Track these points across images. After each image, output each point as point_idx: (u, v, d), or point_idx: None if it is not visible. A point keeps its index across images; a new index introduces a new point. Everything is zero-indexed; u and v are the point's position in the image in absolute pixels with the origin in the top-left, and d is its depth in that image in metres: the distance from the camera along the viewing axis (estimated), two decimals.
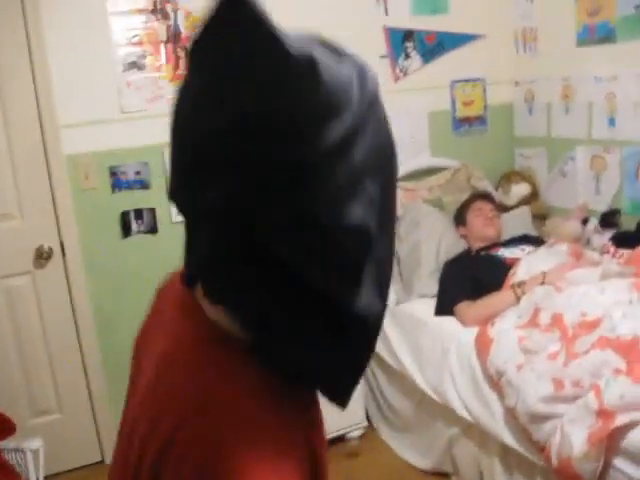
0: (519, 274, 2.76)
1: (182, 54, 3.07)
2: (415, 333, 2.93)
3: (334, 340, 0.79)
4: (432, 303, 2.93)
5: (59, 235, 3.01)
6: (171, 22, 3.03)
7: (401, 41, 3.46)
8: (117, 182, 3.03)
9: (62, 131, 2.93)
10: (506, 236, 3.20)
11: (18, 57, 2.84)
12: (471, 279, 2.87)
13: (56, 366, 3.10)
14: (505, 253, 2.98)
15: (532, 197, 3.64)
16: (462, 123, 3.69)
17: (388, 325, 3.06)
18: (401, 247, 3.20)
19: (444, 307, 2.86)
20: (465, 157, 3.64)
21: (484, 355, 2.51)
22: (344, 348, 0.81)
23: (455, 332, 2.72)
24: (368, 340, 0.84)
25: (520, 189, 3.62)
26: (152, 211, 3.10)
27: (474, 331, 2.63)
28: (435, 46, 3.54)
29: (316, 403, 0.89)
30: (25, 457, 2.55)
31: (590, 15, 3.21)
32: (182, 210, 0.78)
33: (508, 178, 3.70)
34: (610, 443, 1.96)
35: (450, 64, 3.59)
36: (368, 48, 3.37)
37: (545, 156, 3.62)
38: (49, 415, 3.10)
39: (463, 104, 3.67)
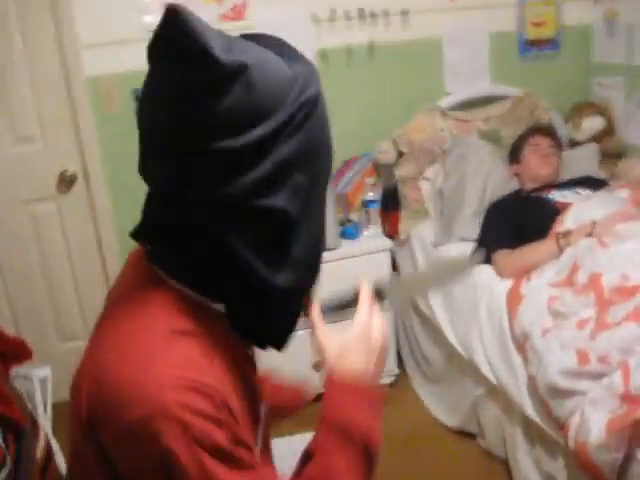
0: (567, 222, 2.43)
1: None
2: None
3: (260, 303, 0.94)
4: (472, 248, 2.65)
5: (82, 161, 2.91)
6: None
7: None
8: None
9: (83, 52, 2.77)
10: (569, 176, 2.85)
11: None
12: (515, 224, 2.56)
13: (82, 292, 3.06)
14: (557, 196, 2.63)
15: (606, 133, 3.21)
16: (530, 46, 3.27)
17: (424, 265, 2.83)
18: (445, 184, 2.91)
19: (483, 253, 2.57)
20: (531, 85, 3.23)
21: (513, 313, 2.24)
22: (270, 313, 0.96)
23: (488, 283, 2.44)
24: (291, 307, 0.99)
25: (593, 123, 3.20)
26: None
27: (508, 284, 2.36)
28: None
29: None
30: (32, 385, 2.52)
31: None
32: (147, 183, 0.93)
33: (580, 110, 3.27)
34: (635, 432, 1.68)
35: None
36: None
37: (623, 87, 3.17)
38: (75, 341, 3.07)
39: (533, 25, 3.24)
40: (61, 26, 2.74)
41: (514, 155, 2.89)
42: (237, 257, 0.88)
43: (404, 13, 3.04)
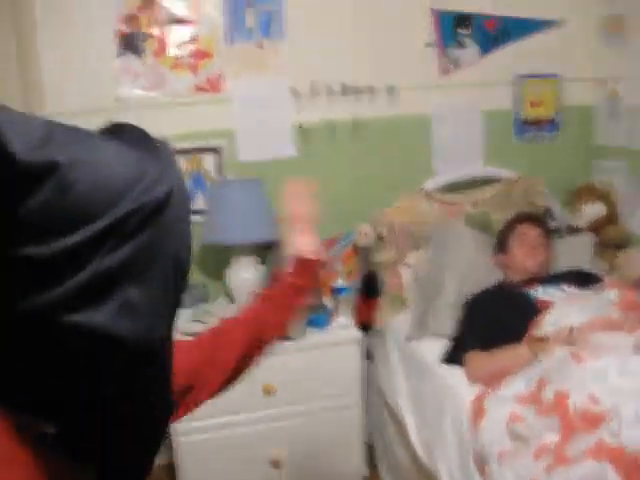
0: (545, 324, 2.20)
1: (186, 38, 2.72)
2: (418, 379, 2.45)
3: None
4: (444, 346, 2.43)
5: None
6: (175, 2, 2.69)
7: (453, 27, 2.91)
8: None
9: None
10: (563, 266, 2.63)
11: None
12: (493, 322, 2.34)
13: None
14: (540, 293, 2.41)
15: (608, 220, 2.99)
16: (528, 127, 3.09)
17: (396, 360, 2.61)
18: (423, 272, 2.70)
19: (454, 353, 2.35)
20: (528, 168, 3.04)
21: (475, 429, 2.00)
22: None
23: (456, 388, 2.21)
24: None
25: (593, 209, 2.98)
26: None
27: (475, 392, 2.12)
28: (497, 34, 2.96)
29: None
30: None
31: None
32: None
33: (580, 195, 3.06)
34: None
35: (515, 56, 3.00)
36: (410, 34, 2.90)
37: (625, 172, 2.95)
38: None
39: (531, 104, 3.06)
40: (30, 94, 2.66)
41: (500, 244, 2.68)
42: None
43: (390, 89, 2.89)
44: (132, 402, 0.78)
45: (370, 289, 2.84)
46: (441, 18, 2.89)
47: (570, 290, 2.42)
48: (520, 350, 2.12)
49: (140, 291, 0.74)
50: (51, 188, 0.69)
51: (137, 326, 0.74)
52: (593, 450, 1.59)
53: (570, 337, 2.03)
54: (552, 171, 3.11)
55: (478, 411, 2.02)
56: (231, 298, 2.74)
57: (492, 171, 3.03)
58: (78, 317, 0.71)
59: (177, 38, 2.69)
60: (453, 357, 2.35)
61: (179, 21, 2.70)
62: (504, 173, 3.01)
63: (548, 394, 1.85)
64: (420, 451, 2.33)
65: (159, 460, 2.72)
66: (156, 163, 0.77)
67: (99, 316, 0.72)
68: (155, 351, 0.77)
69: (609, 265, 2.82)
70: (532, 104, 3.06)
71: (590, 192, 3.04)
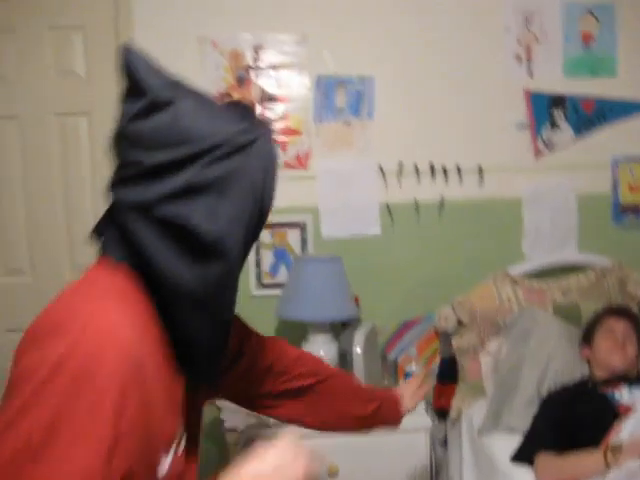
0: (624, 431, 2.05)
1: (276, 117, 2.80)
2: (486, 475, 2.33)
3: (176, 308, 1.02)
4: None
5: None
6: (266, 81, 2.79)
7: (547, 108, 2.84)
8: None
9: None
10: None
11: None
12: (569, 423, 2.21)
13: None
14: (625, 395, 2.25)
15: None
16: (626, 212, 2.94)
17: (467, 451, 2.50)
18: (502, 362, 2.60)
19: (524, 453, 2.22)
20: (626, 256, 2.88)
21: None
22: (185, 322, 1.03)
23: None
24: (206, 329, 1.05)
25: None
26: None
27: None
28: (593, 115, 2.86)
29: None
30: None
31: None
32: None
33: None
34: None
35: (613, 138, 2.89)
36: (502, 115, 2.85)
37: None
38: None
39: (629, 188, 2.92)
40: None
41: (586, 337, 2.53)
42: (152, 261, 0.99)
43: (479, 170, 2.85)
44: (206, 287, 1.01)
45: (448, 374, 2.77)
46: (534, 98, 2.83)
47: None
48: (592, 458, 1.99)
49: (222, 203, 1.00)
50: (167, 116, 0.99)
51: (213, 227, 0.99)
52: None
53: None
54: None
55: None
56: None
57: (586, 258, 2.89)
58: (171, 208, 0.98)
59: (268, 116, 2.78)
60: (524, 456, 2.22)
61: (271, 99, 2.79)
62: (599, 260, 2.87)
63: None
64: None
65: None
66: (249, 123, 1.04)
67: (186, 210, 0.98)
68: (225, 250, 1.01)
69: None
70: (631, 188, 2.92)
71: None
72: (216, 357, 1.09)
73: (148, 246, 0.99)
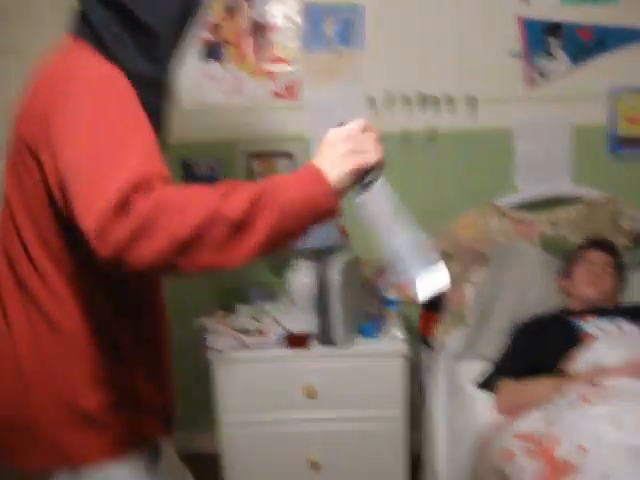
0: (580, 361, 2.06)
1: (265, 46, 2.81)
2: (453, 398, 2.38)
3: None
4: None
5: None
6: (256, 11, 2.79)
7: (542, 36, 2.77)
8: (191, 174, 2.91)
9: None
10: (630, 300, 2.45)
11: None
12: (533, 351, 2.23)
13: None
14: (590, 326, 2.24)
15: None
16: (624, 144, 2.86)
17: (442, 377, 2.56)
18: (480, 293, 2.61)
19: (489, 380, 2.26)
20: (621, 190, 2.82)
21: (478, 462, 1.92)
22: None
23: (479, 415, 2.13)
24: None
25: None
26: None
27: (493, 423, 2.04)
28: (592, 44, 2.77)
29: None
30: None
31: None
32: None
33: None
34: None
35: (611, 68, 2.79)
36: (495, 43, 2.79)
37: None
38: None
39: (627, 120, 2.84)
40: None
41: (566, 268, 2.52)
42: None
43: (470, 99, 2.81)
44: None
45: (433, 303, 2.80)
46: (528, 26, 2.76)
47: (629, 327, 2.23)
48: (544, 385, 2.02)
49: None
50: None
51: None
52: None
53: (593, 379, 1.89)
54: None
55: (483, 445, 1.95)
56: (292, 301, 2.81)
57: (579, 190, 2.84)
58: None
59: (256, 45, 2.80)
60: (487, 383, 2.26)
61: (260, 28, 2.80)
62: (592, 193, 2.82)
63: (545, 436, 1.75)
64: (444, 474, 2.28)
65: (206, 448, 2.85)
66: None
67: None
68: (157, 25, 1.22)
69: None
70: (630, 120, 2.83)
71: None
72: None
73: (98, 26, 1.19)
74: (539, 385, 2.04)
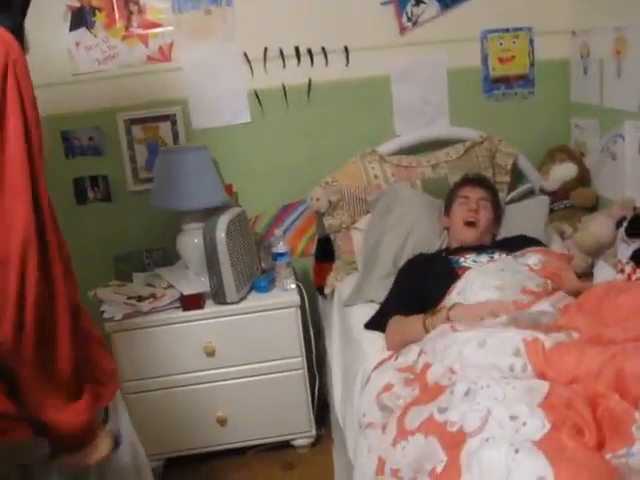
0: (453, 293, 2.16)
1: (134, 9, 2.77)
2: (345, 343, 2.47)
3: None
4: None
5: None
6: None
7: None
8: (70, 147, 2.87)
9: None
10: (512, 233, 2.56)
11: None
12: (416, 289, 2.31)
13: None
14: (467, 260, 2.34)
15: (579, 182, 2.84)
16: (497, 84, 2.95)
17: (335, 324, 2.64)
18: (365, 239, 2.68)
19: (377, 319, 2.33)
20: (497, 128, 2.92)
21: (359, 399, 2.01)
22: None
23: (366, 355, 2.21)
24: None
25: (563, 171, 2.84)
26: (105, 179, 2.90)
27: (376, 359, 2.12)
28: None
29: None
30: None
31: None
32: None
33: (552, 156, 2.92)
34: None
35: (481, 11, 2.86)
36: None
37: (598, 131, 2.79)
38: None
39: (499, 60, 2.93)
40: None
41: (446, 206, 2.61)
42: None
43: (345, 51, 2.84)
44: None
45: (324, 253, 2.86)
46: None
47: (500, 256, 2.34)
48: (413, 321, 2.09)
49: None
50: None
51: None
52: (425, 424, 1.57)
53: (451, 312, 1.99)
54: (527, 131, 2.98)
55: (366, 381, 2.03)
56: (186, 263, 2.82)
57: (457, 132, 2.93)
58: None
59: (126, 10, 2.75)
60: (375, 323, 2.33)
61: None
62: (470, 134, 2.91)
63: (419, 364, 1.84)
64: (340, 416, 2.36)
65: None
66: None
67: None
68: None
69: (574, 229, 2.70)
70: (501, 60, 2.92)
71: (562, 152, 2.90)
72: None
73: None
74: (408, 321, 2.13)
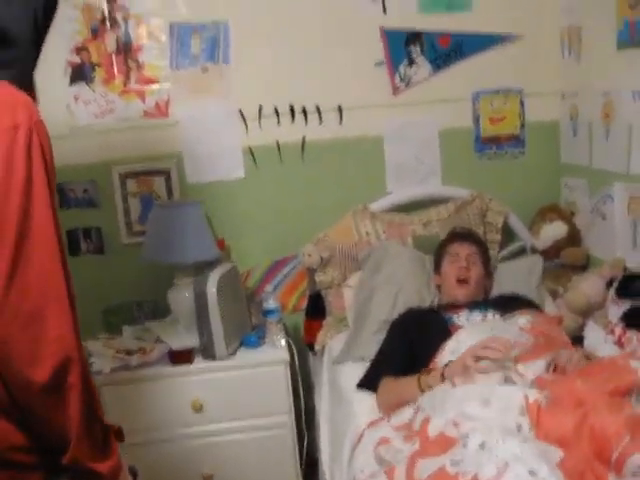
0: (446, 352, 2.14)
1: (133, 66, 2.82)
2: (335, 403, 2.44)
3: None
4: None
5: None
6: (121, 32, 2.80)
7: (403, 45, 2.88)
8: (65, 199, 2.89)
9: None
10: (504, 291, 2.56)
11: None
12: (408, 347, 2.29)
13: None
14: (460, 318, 2.34)
15: (570, 242, 2.86)
16: (488, 144, 3.00)
17: (324, 382, 2.61)
18: (356, 296, 2.68)
19: (368, 379, 2.31)
20: (488, 187, 2.96)
21: (352, 456, 1.98)
22: None
23: (357, 416, 2.18)
24: None
25: (554, 230, 2.87)
26: (99, 231, 2.92)
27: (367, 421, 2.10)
28: (450, 50, 2.90)
29: None
30: None
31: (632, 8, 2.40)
32: None
33: (543, 215, 2.95)
34: None
35: (472, 72, 2.93)
36: (360, 53, 2.88)
37: (587, 191, 2.82)
38: None
39: (490, 121, 2.98)
40: None
41: (436, 264, 2.62)
42: None
43: (339, 109, 2.89)
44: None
45: (315, 310, 2.86)
46: (390, 36, 2.86)
47: (494, 316, 2.33)
48: (408, 381, 2.08)
49: None
50: None
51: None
52: (435, 476, 1.54)
53: (445, 371, 1.98)
54: (518, 190, 3.01)
55: (358, 438, 2.00)
56: (176, 317, 2.81)
57: (449, 191, 2.96)
58: None
59: (124, 66, 2.81)
60: (368, 382, 2.31)
61: (126, 49, 2.81)
62: (461, 192, 2.93)
63: (417, 421, 1.82)
64: (327, 476, 2.32)
65: None
66: None
67: None
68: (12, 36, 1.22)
69: (565, 289, 2.70)
70: (492, 120, 2.98)
71: (552, 211, 2.93)
72: None
73: None
74: (403, 382, 2.11)
